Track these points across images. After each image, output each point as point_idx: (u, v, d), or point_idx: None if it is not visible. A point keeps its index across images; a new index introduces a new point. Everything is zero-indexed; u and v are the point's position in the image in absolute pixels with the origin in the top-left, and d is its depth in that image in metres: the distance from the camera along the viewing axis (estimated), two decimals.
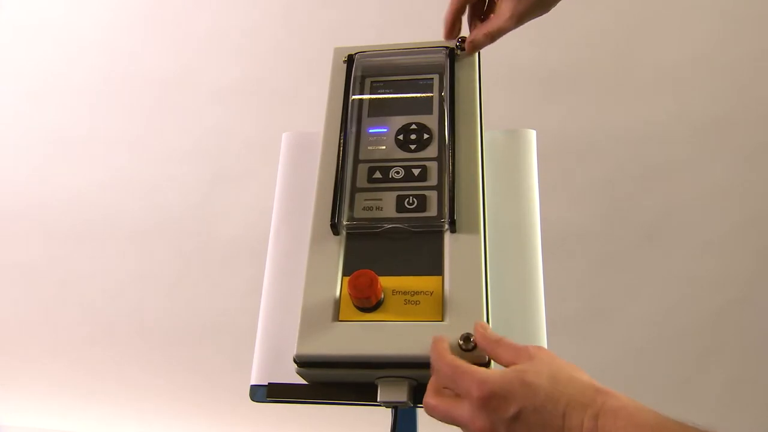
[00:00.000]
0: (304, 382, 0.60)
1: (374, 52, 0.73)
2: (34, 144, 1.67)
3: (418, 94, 0.71)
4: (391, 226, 0.61)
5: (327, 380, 0.60)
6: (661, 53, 1.48)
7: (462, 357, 0.52)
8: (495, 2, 0.70)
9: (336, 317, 0.57)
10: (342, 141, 0.66)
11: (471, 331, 0.53)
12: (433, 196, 0.62)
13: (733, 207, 1.51)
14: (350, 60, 0.72)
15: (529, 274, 0.66)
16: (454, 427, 0.50)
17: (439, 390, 0.51)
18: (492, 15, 0.70)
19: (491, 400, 0.46)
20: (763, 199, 1.50)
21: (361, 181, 0.65)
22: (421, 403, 0.57)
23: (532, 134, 0.74)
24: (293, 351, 0.55)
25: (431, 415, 0.51)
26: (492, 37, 0.69)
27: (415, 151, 0.66)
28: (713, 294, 1.53)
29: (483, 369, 0.48)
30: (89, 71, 1.64)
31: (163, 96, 1.62)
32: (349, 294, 0.56)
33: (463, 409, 0.47)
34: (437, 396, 0.50)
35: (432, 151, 0.66)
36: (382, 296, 0.57)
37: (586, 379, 0.47)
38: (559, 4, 0.68)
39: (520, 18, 0.67)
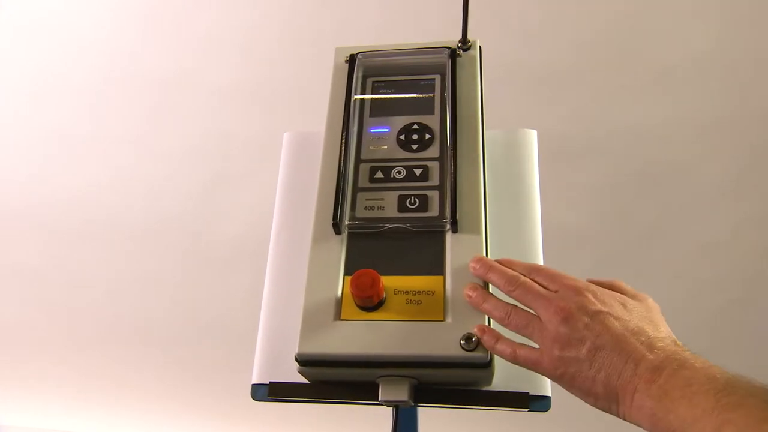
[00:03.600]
0: (306, 381, 0.60)
1: (376, 52, 0.73)
2: (34, 144, 1.67)
3: (420, 95, 0.71)
4: (392, 225, 0.61)
5: (328, 379, 0.60)
6: (661, 53, 1.48)
7: (463, 357, 0.53)
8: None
9: (338, 316, 0.57)
10: (344, 141, 0.66)
11: (472, 332, 0.53)
12: (434, 196, 0.62)
13: (733, 207, 1.51)
14: (352, 60, 0.72)
15: None
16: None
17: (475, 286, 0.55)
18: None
19: (590, 289, 0.47)
20: (763, 199, 1.50)
21: (363, 181, 0.65)
22: (422, 403, 0.57)
23: (533, 134, 0.74)
24: (295, 350, 0.56)
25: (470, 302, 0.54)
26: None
27: (416, 151, 0.66)
28: (713, 294, 1.53)
29: None
30: (89, 71, 1.63)
31: (163, 96, 1.62)
32: (351, 293, 0.56)
33: (538, 294, 0.49)
34: (474, 289, 0.54)
35: (434, 151, 0.66)
36: (384, 296, 0.57)
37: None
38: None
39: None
